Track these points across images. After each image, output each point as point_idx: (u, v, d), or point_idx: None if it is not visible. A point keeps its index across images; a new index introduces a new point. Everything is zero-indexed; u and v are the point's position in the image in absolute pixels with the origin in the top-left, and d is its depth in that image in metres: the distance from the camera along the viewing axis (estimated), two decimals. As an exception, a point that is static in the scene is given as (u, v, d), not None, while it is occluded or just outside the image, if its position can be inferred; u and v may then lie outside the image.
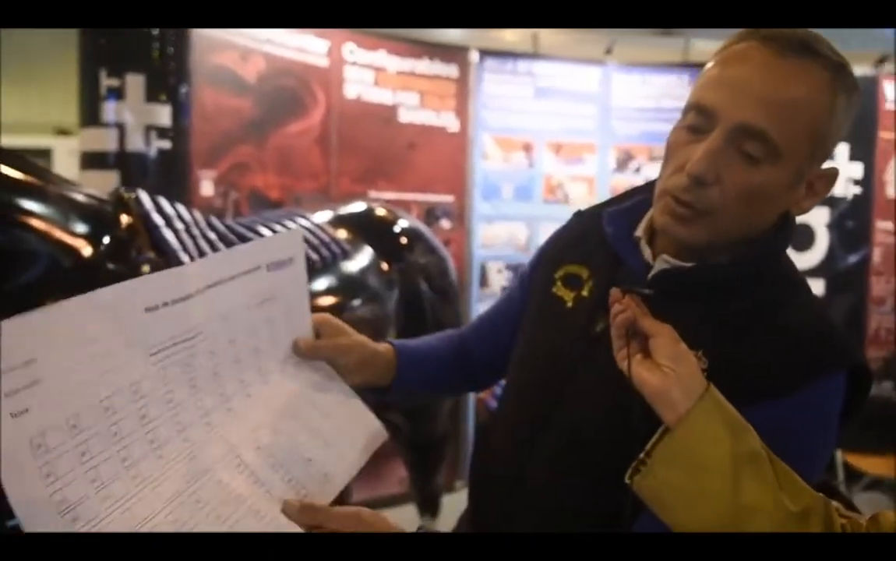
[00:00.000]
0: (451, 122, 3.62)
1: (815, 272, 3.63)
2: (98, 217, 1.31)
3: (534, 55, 3.88)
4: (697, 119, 0.80)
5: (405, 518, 2.62)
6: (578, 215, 1.04)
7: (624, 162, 3.86)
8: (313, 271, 1.73)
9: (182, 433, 0.74)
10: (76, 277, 1.21)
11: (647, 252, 0.89)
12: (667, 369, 0.78)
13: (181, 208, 1.53)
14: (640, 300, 0.83)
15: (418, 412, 2.19)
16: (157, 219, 1.41)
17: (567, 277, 0.96)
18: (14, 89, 4.71)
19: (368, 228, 2.05)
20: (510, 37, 4.13)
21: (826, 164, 0.85)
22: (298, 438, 0.84)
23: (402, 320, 1.98)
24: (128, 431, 0.69)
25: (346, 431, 0.90)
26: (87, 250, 1.26)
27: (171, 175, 2.64)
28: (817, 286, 3.59)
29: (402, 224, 2.17)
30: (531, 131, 3.76)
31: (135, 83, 2.55)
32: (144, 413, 0.71)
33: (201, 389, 0.78)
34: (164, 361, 0.74)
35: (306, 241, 1.77)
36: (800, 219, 0.90)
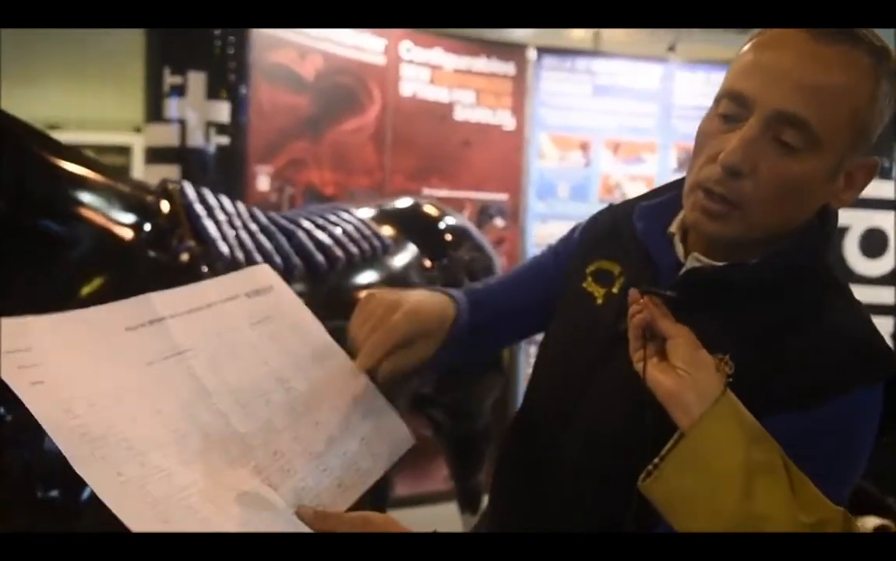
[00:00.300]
0: (506, 120, 3.60)
1: (885, 280, 3.44)
2: (141, 206, 1.37)
3: (593, 52, 3.83)
4: (731, 107, 0.77)
5: (447, 515, 2.63)
6: (610, 209, 1.01)
7: (685, 161, 3.75)
8: (353, 265, 1.76)
9: (202, 430, 0.77)
10: (118, 263, 1.27)
11: (679, 249, 0.86)
12: (682, 372, 0.76)
13: (225, 200, 1.58)
14: (662, 301, 0.81)
15: (459, 407, 2.19)
16: (199, 209, 1.46)
17: (598, 273, 0.94)
18: (93, 88, 4.98)
19: (413, 224, 2.06)
20: (572, 34, 4.08)
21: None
22: (316, 447, 0.85)
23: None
24: (145, 419, 0.72)
25: (366, 440, 0.90)
26: (128, 237, 1.32)
27: (228, 170, 2.72)
28: (888, 295, 3.40)
29: (448, 221, 2.17)
30: (589, 129, 3.70)
31: (196, 81, 2.65)
32: (159, 409, 0.75)
33: (212, 393, 0.81)
34: (161, 372, 0.78)
35: (348, 234, 1.79)
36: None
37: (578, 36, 4.03)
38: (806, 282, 0.81)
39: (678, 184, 0.91)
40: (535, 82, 3.64)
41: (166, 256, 1.34)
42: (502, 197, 3.60)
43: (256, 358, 0.88)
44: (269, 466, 0.79)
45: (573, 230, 1.06)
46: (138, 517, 0.64)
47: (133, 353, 0.78)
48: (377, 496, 2.51)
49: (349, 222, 1.84)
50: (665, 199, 0.91)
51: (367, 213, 1.98)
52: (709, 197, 0.77)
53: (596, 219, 1.02)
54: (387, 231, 1.97)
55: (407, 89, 3.33)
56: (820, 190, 0.79)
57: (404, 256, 1.96)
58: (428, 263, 2.01)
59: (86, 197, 1.30)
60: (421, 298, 0.94)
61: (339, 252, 1.70)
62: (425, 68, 3.39)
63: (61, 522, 1.16)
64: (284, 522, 0.75)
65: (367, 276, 1.80)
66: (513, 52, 3.61)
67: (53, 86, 5.03)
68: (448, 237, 2.12)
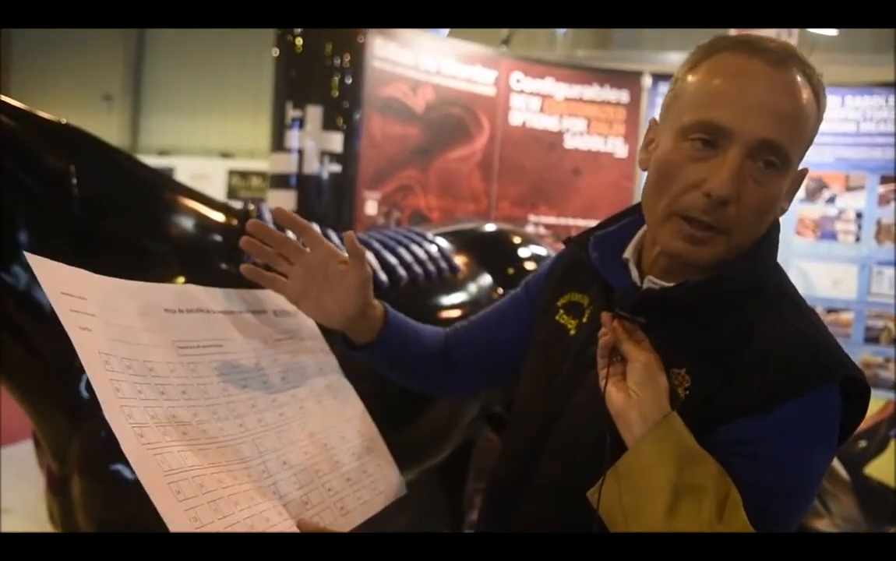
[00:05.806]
0: (619, 148, 3.58)
1: None
2: (220, 226, 1.58)
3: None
4: (706, 138, 0.80)
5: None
6: (572, 242, 1.03)
7: (815, 191, 3.51)
8: (416, 285, 1.86)
9: (218, 424, 0.81)
10: (193, 273, 1.46)
11: (634, 273, 0.91)
12: (632, 393, 0.81)
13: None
14: (632, 325, 0.85)
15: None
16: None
17: (569, 305, 0.99)
18: (248, 120, 5.55)
19: (490, 252, 2.12)
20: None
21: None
22: (322, 466, 0.89)
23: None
24: (173, 396, 0.78)
25: (368, 474, 0.96)
26: (204, 251, 1.52)
27: (340, 195, 2.96)
28: None
29: (529, 250, 2.21)
30: (707, 157, 3.59)
31: (314, 114, 2.91)
32: (185, 390, 0.80)
33: (233, 395, 0.85)
34: (192, 358, 0.84)
35: (415, 256, 1.90)
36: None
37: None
38: (757, 292, 0.84)
39: (629, 211, 0.96)
40: (650, 109, 3.59)
41: (234, 269, 1.53)
42: (611, 225, 3.58)
43: (275, 372, 0.94)
44: (279, 473, 0.84)
45: (540, 267, 1.12)
46: (156, 483, 0.68)
47: (169, 333, 0.82)
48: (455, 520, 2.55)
49: (420, 245, 1.95)
50: (618, 226, 0.95)
51: (444, 238, 2.08)
52: (693, 225, 0.80)
53: (561, 256, 1.06)
54: (461, 256, 2.06)
55: (516, 118, 3.43)
56: (779, 205, 0.84)
57: (474, 281, 2.03)
58: (500, 291, 2.06)
59: (177, 219, 1.53)
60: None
61: (402, 272, 1.81)
62: (536, 97, 3.47)
63: (134, 495, 1.33)
64: (285, 525, 0.79)
65: (428, 296, 1.90)
66: (627, 79, 3.59)
67: (231, 119, 5.68)
68: (528, 266, 2.16)
